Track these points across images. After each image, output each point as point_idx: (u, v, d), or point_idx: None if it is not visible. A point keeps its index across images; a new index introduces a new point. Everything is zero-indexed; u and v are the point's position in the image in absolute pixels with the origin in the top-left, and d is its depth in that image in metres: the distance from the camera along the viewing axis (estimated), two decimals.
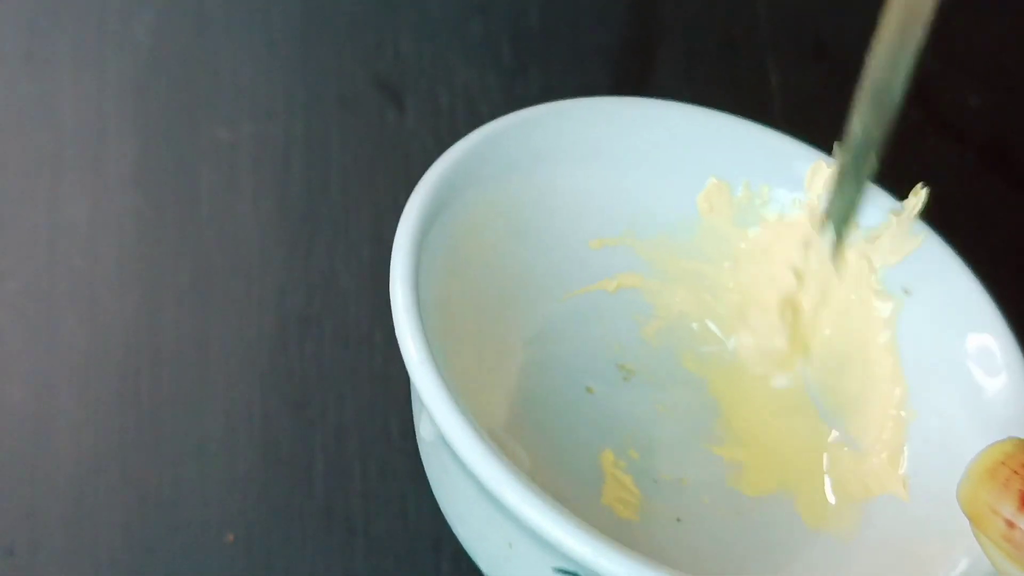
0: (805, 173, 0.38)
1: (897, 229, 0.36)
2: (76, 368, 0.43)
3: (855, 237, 0.37)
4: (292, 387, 0.43)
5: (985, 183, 0.50)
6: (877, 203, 0.37)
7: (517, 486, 0.28)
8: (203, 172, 0.47)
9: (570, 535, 0.28)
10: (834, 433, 0.37)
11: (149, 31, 0.49)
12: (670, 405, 0.37)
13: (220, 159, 0.47)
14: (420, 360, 0.30)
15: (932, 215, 0.37)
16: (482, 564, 0.33)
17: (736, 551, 0.35)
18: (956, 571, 0.31)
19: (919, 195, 0.36)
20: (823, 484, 0.36)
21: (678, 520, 0.35)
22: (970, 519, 0.28)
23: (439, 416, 0.29)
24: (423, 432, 0.33)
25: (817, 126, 0.38)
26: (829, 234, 0.37)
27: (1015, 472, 0.27)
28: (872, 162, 0.35)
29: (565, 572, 0.30)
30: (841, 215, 0.36)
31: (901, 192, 0.37)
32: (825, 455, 0.37)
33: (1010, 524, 0.27)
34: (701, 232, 0.38)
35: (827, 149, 0.37)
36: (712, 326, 0.39)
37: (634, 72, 0.50)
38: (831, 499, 0.36)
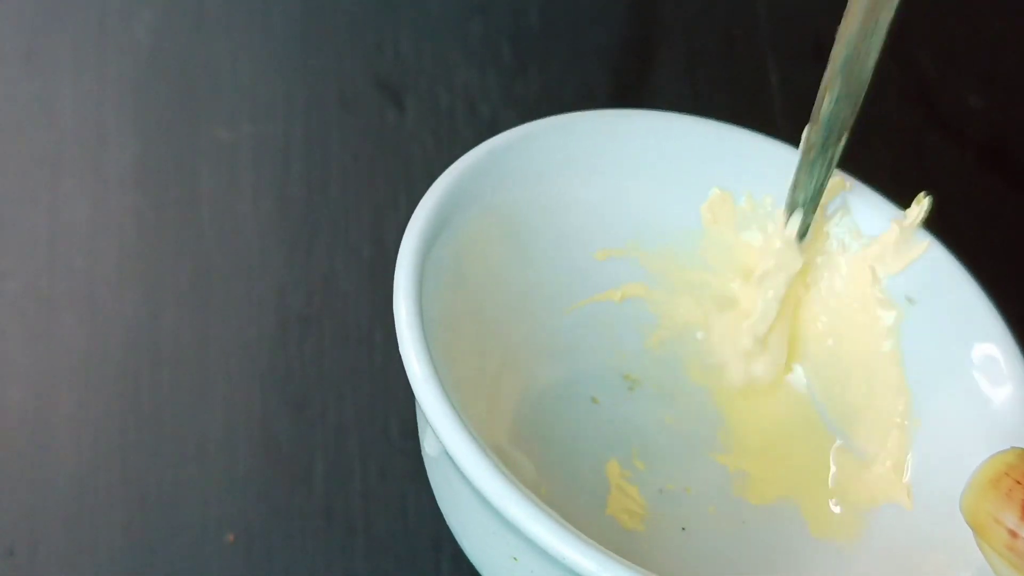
0: None
1: (900, 237, 0.36)
2: (76, 368, 0.43)
3: (856, 244, 0.37)
4: (292, 387, 0.43)
5: (985, 183, 0.50)
6: (880, 211, 0.37)
7: (522, 502, 0.28)
8: (203, 172, 0.46)
9: (575, 550, 0.28)
10: (838, 442, 0.37)
11: (149, 31, 0.48)
12: (675, 415, 0.37)
13: (220, 159, 0.47)
14: (424, 377, 0.30)
15: (932, 215, 0.36)
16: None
17: (741, 560, 0.35)
18: None
19: (922, 203, 0.36)
20: (828, 493, 0.36)
21: (683, 529, 0.35)
22: (973, 529, 0.28)
23: (443, 433, 0.29)
24: (428, 447, 0.33)
25: None
26: (796, 215, 0.37)
27: (1018, 482, 0.27)
28: (842, 142, 0.35)
29: None
30: (809, 195, 0.36)
31: (901, 192, 0.37)
32: (830, 464, 0.37)
33: (1013, 534, 0.27)
34: (705, 243, 0.38)
35: None
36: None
37: (634, 72, 0.50)
38: (836, 508, 0.36)
